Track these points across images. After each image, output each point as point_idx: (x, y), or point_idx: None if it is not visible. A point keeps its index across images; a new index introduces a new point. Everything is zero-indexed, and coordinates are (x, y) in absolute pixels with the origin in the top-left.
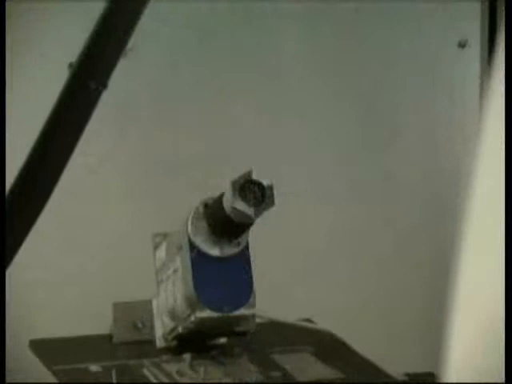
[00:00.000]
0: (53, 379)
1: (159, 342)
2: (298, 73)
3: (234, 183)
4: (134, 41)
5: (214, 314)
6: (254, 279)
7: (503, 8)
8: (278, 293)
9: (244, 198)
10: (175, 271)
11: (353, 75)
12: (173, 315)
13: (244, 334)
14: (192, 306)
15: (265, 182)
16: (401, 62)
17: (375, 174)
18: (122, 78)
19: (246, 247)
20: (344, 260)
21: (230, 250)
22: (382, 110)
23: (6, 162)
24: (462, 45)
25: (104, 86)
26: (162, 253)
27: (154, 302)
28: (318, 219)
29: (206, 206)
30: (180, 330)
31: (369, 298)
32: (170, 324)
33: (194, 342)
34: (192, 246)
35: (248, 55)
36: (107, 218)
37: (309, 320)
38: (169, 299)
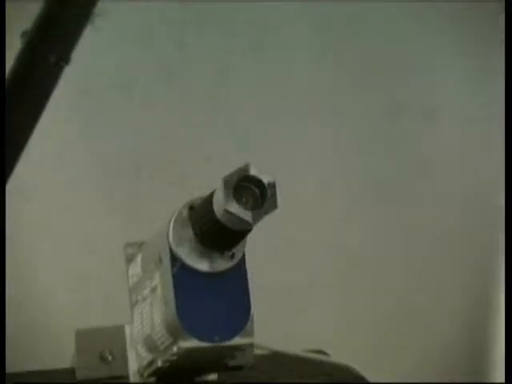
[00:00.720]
0: None
1: (133, 378)
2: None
3: (226, 180)
4: (102, 4)
5: (202, 344)
6: (251, 301)
7: None
8: (282, 318)
9: (239, 199)
10: (153, 290)
11: (379, 53)
12: (150, 345)
13: (240, 368)
14: (174, 333)
15: (265, 179)
16: (436, 36)
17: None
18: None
19: (242, 261)
20: (360, 278)
21: (222, 264)
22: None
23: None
24: None
25: (66, 60)
26: (136, 267)
27: (127, 329)
28: (325, 224)
29: (191, 208)
30: (159, 363)
31: (391, 326)
32: (146, 356)
33: (177, 378)
34: (174, 259)
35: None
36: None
37: (321, 351)
38: (145, 325)
